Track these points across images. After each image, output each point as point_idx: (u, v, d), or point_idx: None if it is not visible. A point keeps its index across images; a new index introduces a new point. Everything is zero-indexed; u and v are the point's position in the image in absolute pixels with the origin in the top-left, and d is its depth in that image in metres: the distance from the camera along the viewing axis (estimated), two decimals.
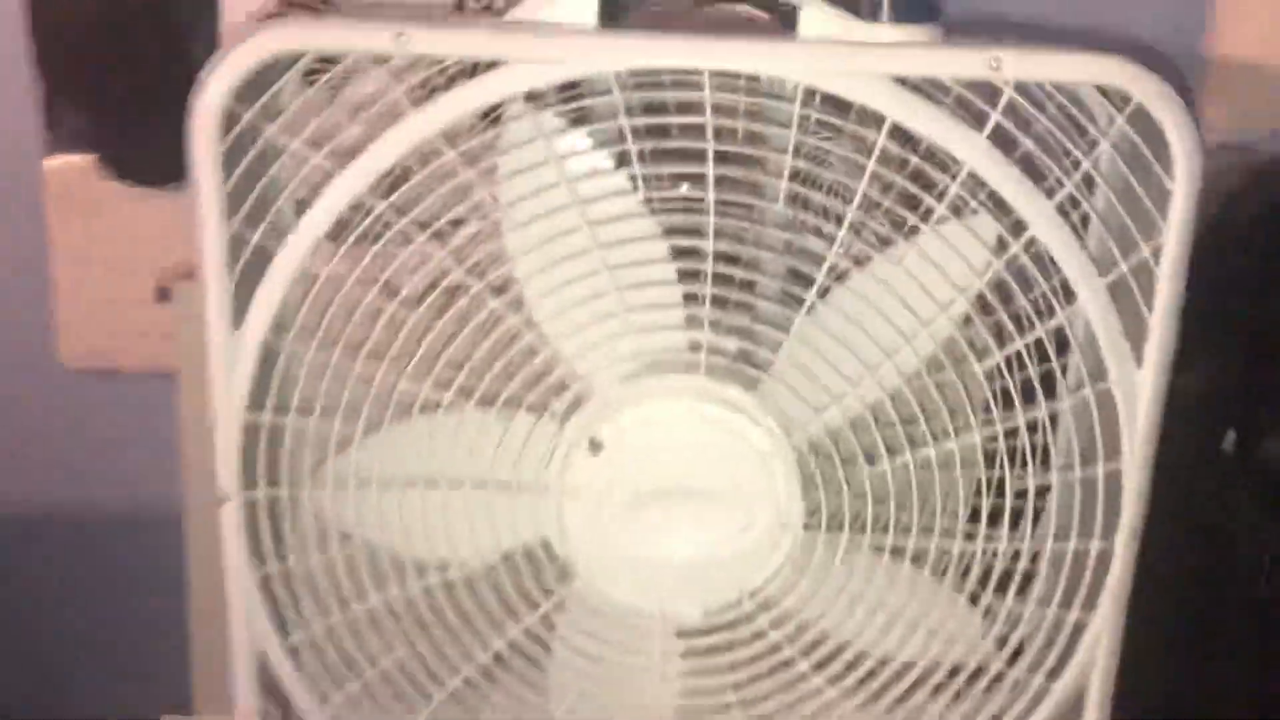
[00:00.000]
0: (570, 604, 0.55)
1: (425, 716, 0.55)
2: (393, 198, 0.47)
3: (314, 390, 0.50)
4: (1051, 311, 0.52)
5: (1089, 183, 0.52)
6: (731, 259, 0.52)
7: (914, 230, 0.51)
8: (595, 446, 0.52)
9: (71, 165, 0.88)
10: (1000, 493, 0.55)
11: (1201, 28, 0.85)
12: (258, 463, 0.51)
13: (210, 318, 0.48)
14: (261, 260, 0.48)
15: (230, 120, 0.46)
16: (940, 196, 0.51)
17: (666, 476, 0.52)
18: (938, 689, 0.56)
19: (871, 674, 0.56)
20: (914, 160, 0.51)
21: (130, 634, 1.05)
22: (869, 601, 0.55)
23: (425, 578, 0.53)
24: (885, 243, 0.52)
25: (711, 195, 0.49)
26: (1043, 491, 0.55)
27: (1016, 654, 0.56)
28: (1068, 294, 0.52)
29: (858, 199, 0.49)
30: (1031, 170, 0.51)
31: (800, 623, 0.55)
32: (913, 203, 0.54)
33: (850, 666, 0.56)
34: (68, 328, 0.92)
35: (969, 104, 0.49)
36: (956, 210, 0.52)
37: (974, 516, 0.58)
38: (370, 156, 0.47)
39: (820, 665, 0.55)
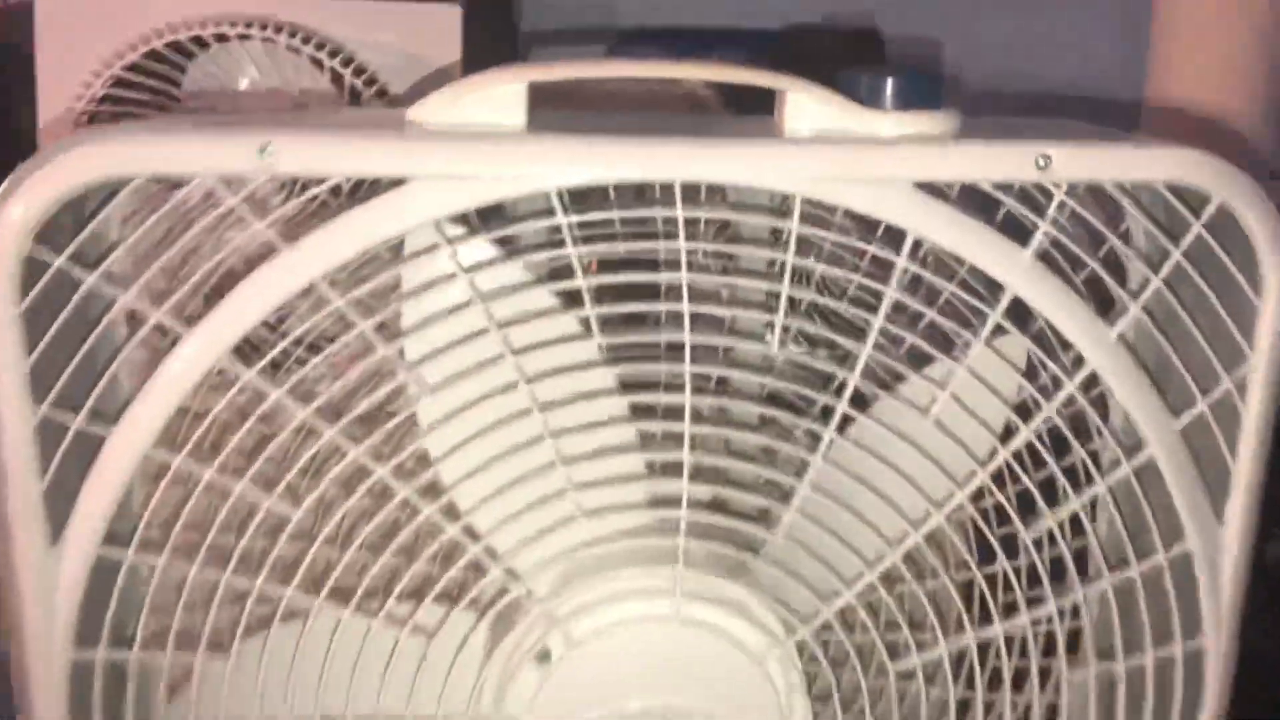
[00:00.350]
0: None
1: None
2: (259, 365, 0.35)
3: (166, 614, 0.38)
4: (1105, 459, 0.42)
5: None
6: (703, 413, 0.41)
7: (935, 359, 0.40)
8: (543, 662, 0.40)
9: None
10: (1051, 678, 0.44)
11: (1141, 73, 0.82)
12: (93, 715, 0.38)
13: (14, 533, 0.36)
14: (87, 450, 0.36)
15: (34, 269, 0.34)
16: (968, 321, 0.40)
17: (637, 696, 0.40)
18: None
19: None
20: (948, 290, 0.40)
21: None
22: None
23: None
24: (897, 379, 0.41)
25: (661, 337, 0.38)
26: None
27: None
28: (1127, 435, 0.42)
29: (872, 337, 0.39)
30: (1075, 283, 0.41)
31: None
32: (933, 329, 0.44)
33: None
34: None
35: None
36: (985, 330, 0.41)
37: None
38: (226, 312, 0.34)
39: None
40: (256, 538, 0.37)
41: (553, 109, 0.39)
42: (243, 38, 0.58)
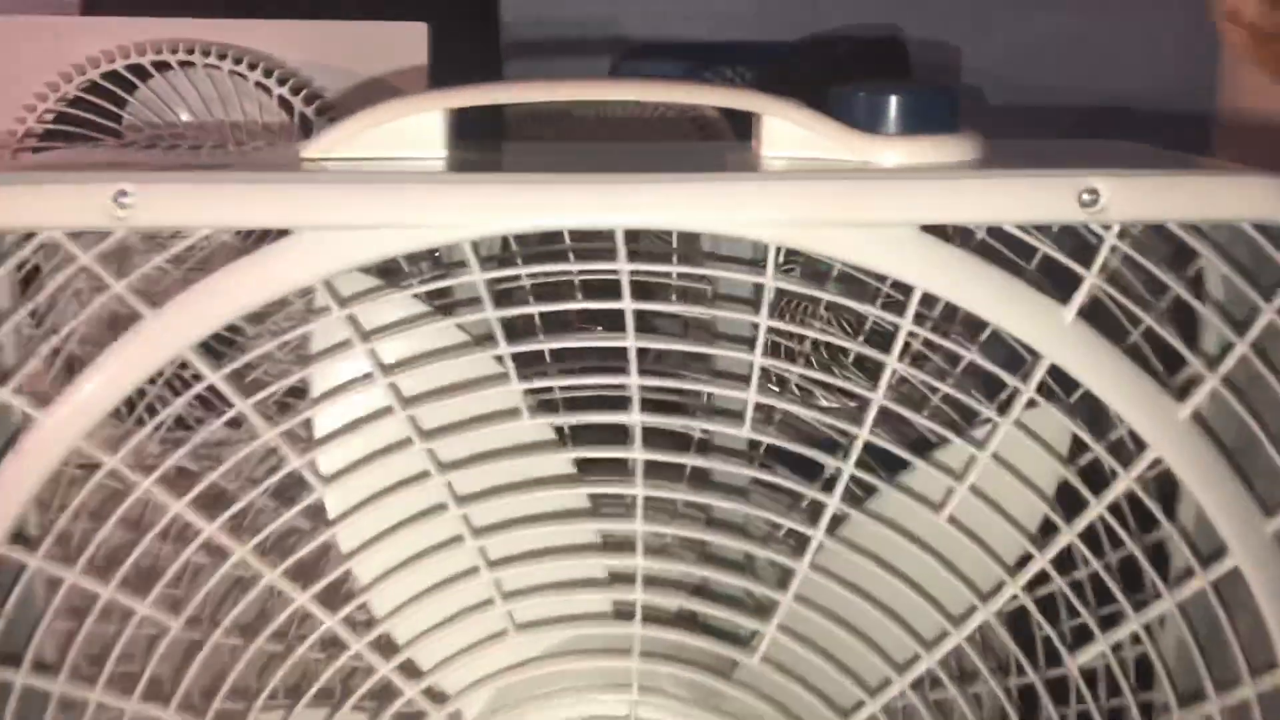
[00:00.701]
0: None
1: None
2: (126, 447, 0.30)
3: None
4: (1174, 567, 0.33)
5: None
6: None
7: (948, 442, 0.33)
8: None
9: None
10: None
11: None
12: None
13: None
14: None
15: None
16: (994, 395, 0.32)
17: None
18: None
19: None
20: (969, 354, 0.33)
21: None
22: None
23: None
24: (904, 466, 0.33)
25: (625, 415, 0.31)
26: None
27: None
28: (1203, 539, 0.33)
29: (871, 414, 0.31)
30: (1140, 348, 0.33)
31: None
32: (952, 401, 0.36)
33: None
34: None
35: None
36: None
37: None
38: (76, 393, 0.29)
39: None
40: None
41: (533, 135, 0.33)
42: (185, 64, 0.54)
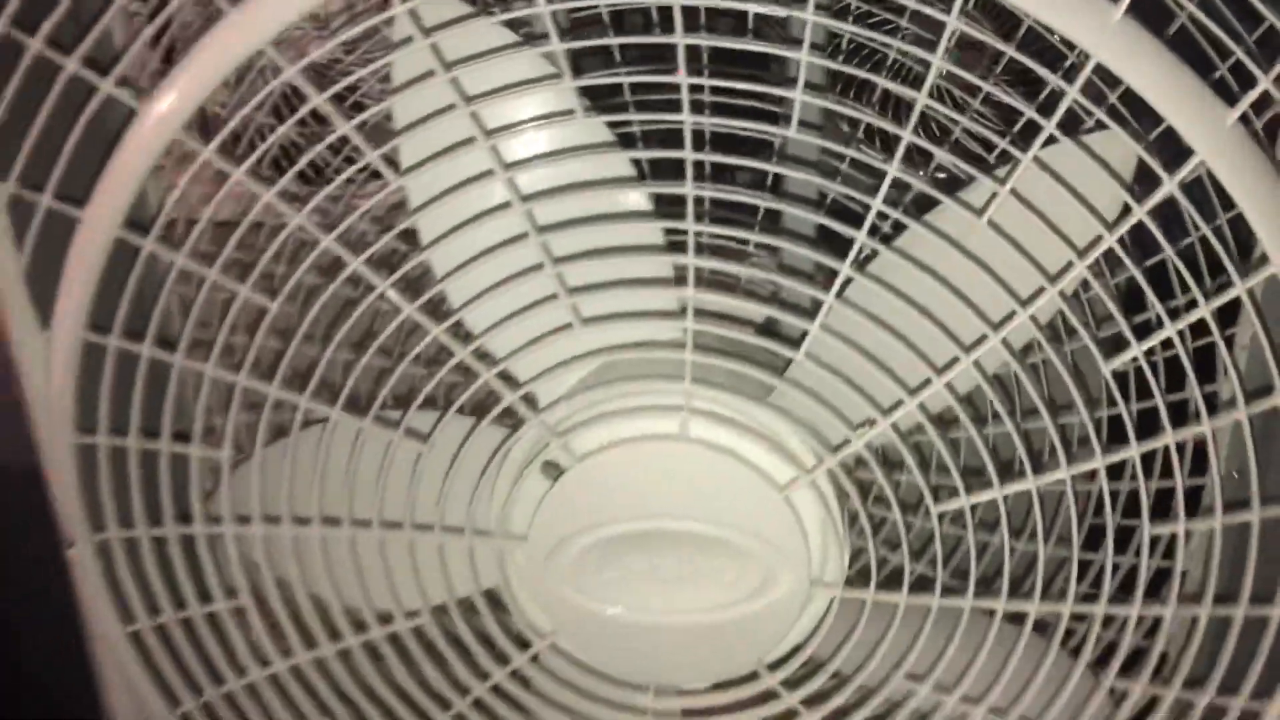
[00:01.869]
0: (535, 671, 0.41)
1: None
2: (219, 136, 0.33)
3: (159, 404, 0.37)
4: (1222, 278, 0.34)
5: None
6: (736, 215, 0.36)
7: (1006, 158, 0.34)
8: (550, 474, 0.37)
9: None
10: (1127, 516, 0.39)
11: None
12: (102, 496, 0.38)
13: (5, 315, 0.35)
14: (67, 230, 0.35)
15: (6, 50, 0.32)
16: (1048, 106, 0.33)
17: (649, 517, 0.37)
18: None
19: None
20: (1008, 50, 0.33)
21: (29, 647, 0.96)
22: (942, 677, 0.40)
23: (358, 631, 0.40)
24: (963, 179, 0.34)
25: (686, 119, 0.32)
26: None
27: None
28: (1246, 251, 0.34)
29: (914, 115, 0.32)
30: (1191, 53, 0.33)
31: (842, 704, 0.40)
32: (1005, 117, 0.37)
33: None
34: None
35: None
36: (1073, 123, 0.34)
37: (1087, 543, 0.41)
38: (176, 82, 0.32)
39: None
40: (260, 340, 0.36)
41: None
42: None
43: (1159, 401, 0.36)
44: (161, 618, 0.40)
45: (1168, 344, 0.36)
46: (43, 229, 0.34)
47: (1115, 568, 0.39)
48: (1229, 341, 0.39)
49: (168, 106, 0.32)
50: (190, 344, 0.36)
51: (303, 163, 0.33)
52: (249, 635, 0.41)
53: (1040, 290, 0.34)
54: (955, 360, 0.35)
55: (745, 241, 0.40)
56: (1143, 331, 0.35)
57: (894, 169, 0.33)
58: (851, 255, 0.34)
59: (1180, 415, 0.36)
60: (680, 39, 0.31)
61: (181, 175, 0.33)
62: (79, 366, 0.36)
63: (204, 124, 0.35)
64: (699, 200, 0.33)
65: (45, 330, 0.36)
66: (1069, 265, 0.34)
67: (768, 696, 0.40)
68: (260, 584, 0.40)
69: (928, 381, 0.35)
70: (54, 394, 0.36)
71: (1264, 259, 0.33)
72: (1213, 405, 0.36)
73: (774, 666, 0.40)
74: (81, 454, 0.38)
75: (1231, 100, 0.32)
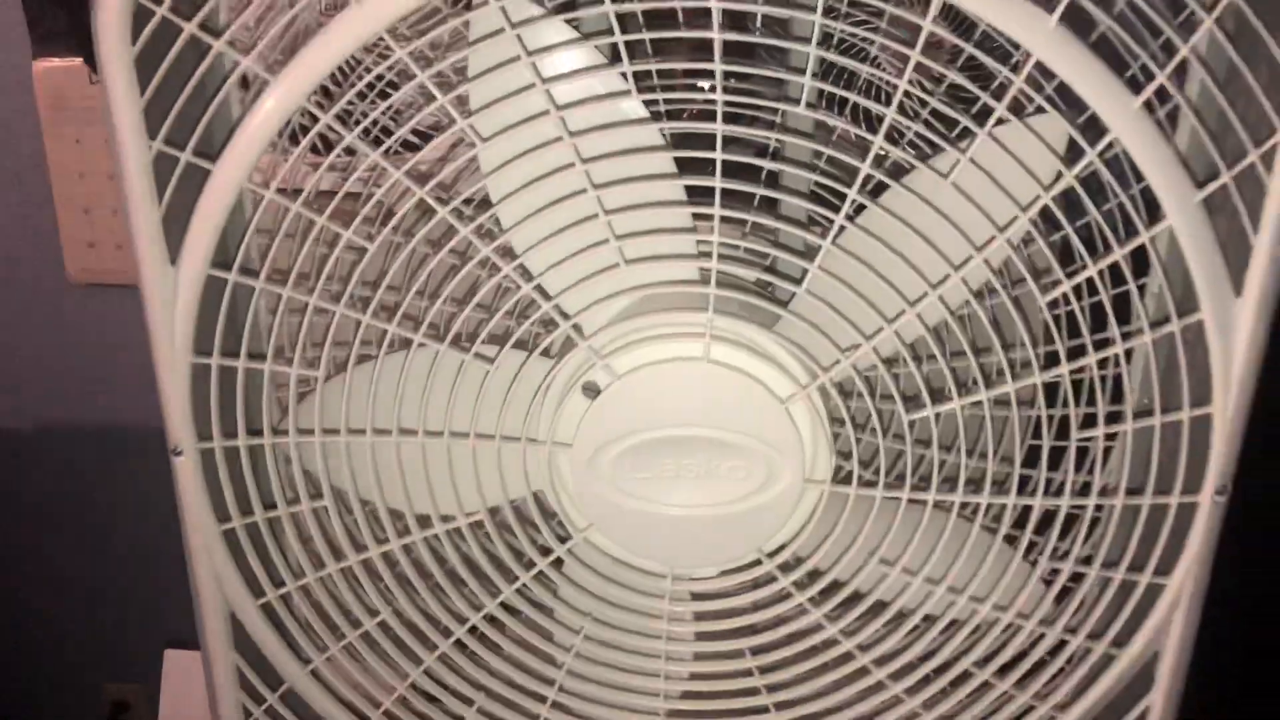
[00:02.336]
0: (571, 559, 0.49)
1: (422, 669, 0.51)
2: (336, 106, 0.40)
3: (265, 330, 0.44)
4: (1130, 228, 0.43)
5: (1181, 72, 0.43)
6: (746, 174, 0.45)
7: (965, 135, 0.42)
8: (590, 392, 0.45)
9: (59, 69, 0.82)
10: (1063, 434, 0.47)
11: None
12: (211, 410, 0.45)
13: (140, 253, 0.42)
14: (199, 181, 0.42)
15: (142, 16, 0.39)
16: (999, 93, 0.41)
17: (672, 426, 0.45)
18: (987, 659, 0.50)
19: (909, 639, 0.50)
20: (968, 49, 0.42)
21: (137, 559, 1.03)
22: (909, 562, 0.48)
23: (423, 528, 0.48)
24: (930, 151, 0.43)
25: (710, 97, 0.40)
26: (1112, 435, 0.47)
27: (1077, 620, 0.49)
28: (1152, 208, 0.43)
29: (897, 98, 0.41)
30: (1110, 55, 0.42)
31: (828, 585, 0.49)
32: (966, 102, 0.45)
33: (886, 633, 0.50)
34: (71, 243, 0.88)
35: None
36: (1018, 108, 0.43)
37: (1031, 458, 0.50)
38: (310, 54, 0.39)
39: (851, 632, 0.49)
40: (341, 267, 0.43)
41: None
42: None
43: (1084, 333, 0.45)
44: (252, 517, 0.47)
45: (1095, 291, 0.45)
46: (180, 180, 0.41)
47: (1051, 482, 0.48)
48: (1142, 289, 0.49)
49: (293, 81, 0.39)
50: (295, 280, 0.43)
51: (405, 131, 0.41)
52: (326, 534, 0.48)
53: (992, 239, 0.43)
54: (924, 295, 0.44)
55: (751, 199, 0.48)
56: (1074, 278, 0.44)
57: (878, 142, 0.41)
58: (845, 207, 0.42)
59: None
60: (717, 34, 0.39)
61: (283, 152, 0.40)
62: (199, 298, 0.43)
63: None
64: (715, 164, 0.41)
65: (174, 267, 0.42)
66: (1014, 219, 0.43)
67: (766, 580, 0.49)
68: (340, 488, 0.47)
69: (902, 313, 0.44)
70: (179, 320, 0.43)
71: (1162, 215, 0.42)
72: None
73: (772, 555, 0.48)
74: (195, 373, 0.44)
75: (1138, 91, 0.41)
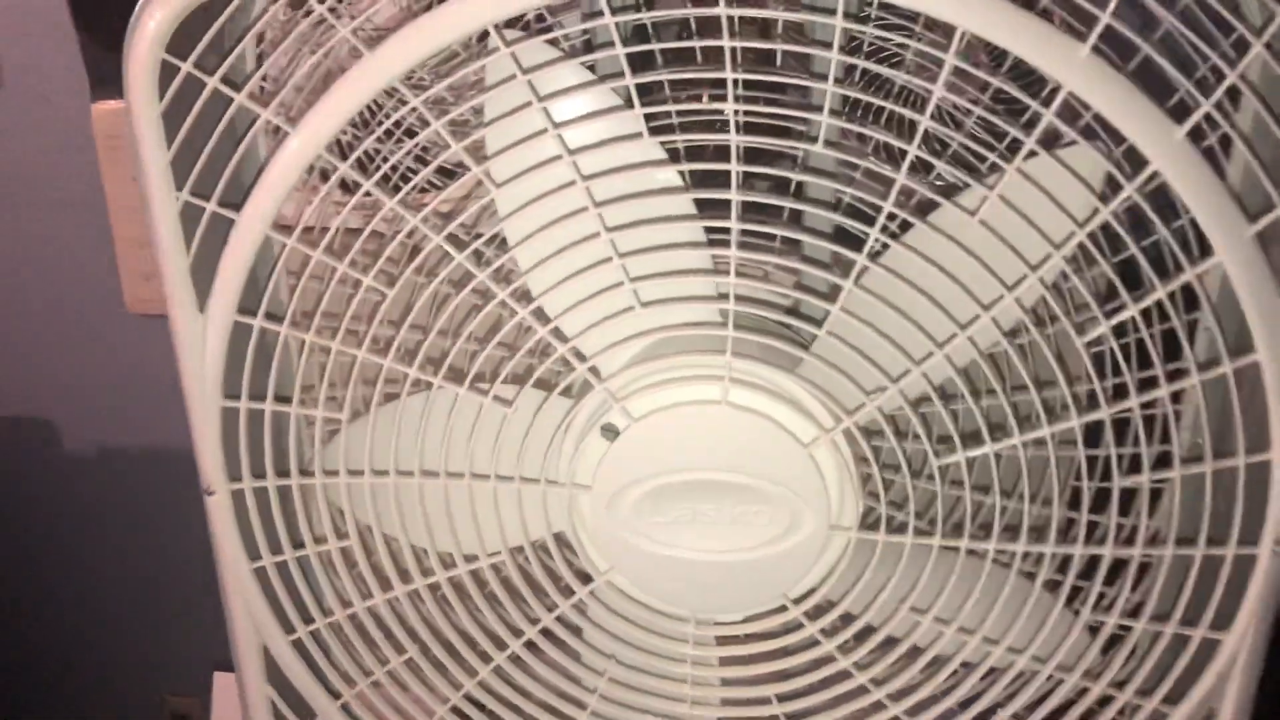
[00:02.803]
0: (593, 603, 0.49)
1: (449, 707, 0.51)
2: (354, 155, 0.40)
3: (292, 374, 0.45)
4: (1177, 265, 0.41)
5: (1233, 97, 0.40)
6: (767, 213, 0.44)
7: (998, 169, 0.41)
8: (609, 433, 0.45)
9: (115, 111, 0.85)
10: (1108, 477, 0.45)
11: None
12: (240, 452, 0.46)
13: (170, 300, 0.43)
14: (226, 229, 0.43)
15: (169, 72, 0.40)
16: (1029, 126, 0.40)
17: (693, 470, 0.45)
18: (1029, 709, 0.48)
19: (944, 687, 0.48)
20: (995, 82, 0.40)
21: (194, 582, 1.07)
22: (942, 610, 0.47)
23: (447, 567, 0.48)
24: (960, 186, 0.41)
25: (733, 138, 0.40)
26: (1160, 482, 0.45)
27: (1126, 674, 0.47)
28: (1201, 243, 0.41)
29: (920, 132, 0.39)
30: (1152, 83, 0.40)
31: (857, 632, 0.47)
32: (995, 133, 0.44)
33: (919, 681, 0.48)
34: (129, 275, 0.91)
35: None
36: (1054, 138, 0.41)
37: (1074, 502, 0.48)
38: (326, 105, 0.40)
39: (882, 680, 0.48)
40: (363, 310, 0.43)
41: None
42: None
43: (1126, 375, 0.42)
44: (282, 555, 0.48)
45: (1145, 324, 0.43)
46: (206, 230, 0.42)
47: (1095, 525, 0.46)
48: (1193, 325, 0.46)
49: (312, 130, 0.40)
50: (318, 327, 0.44)
51: (422, 177, 0.41)
52: (353, 573, 0.48)
53: (1024, 278, 0.41)
54: (953, 336, 0.42)
55: (772, 239, 0.47)
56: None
57: (901, 177, 0.40)
58: (866, 247, 0.41)
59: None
60: (729, 74, 0.38)
61: (312, 189, 0.41)
62: (228, 343, 0.44)
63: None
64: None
65: (202, 314, 0.43)
66: (1048, 256, 0.41)
67: (792, 627, 0.47)
68: (364, 529, 0.48)
69: (930, 355, 0.42)
70: (208, 365, 0.44)
71: (1210, 250, 0.40)
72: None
73: (798, 601, 0.47)
74: (225, 416, 0.45)
75: (1182, 120, 0.39)
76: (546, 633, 0.49)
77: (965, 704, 0.48)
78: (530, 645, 0.49)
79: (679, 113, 0.48)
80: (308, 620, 0.50)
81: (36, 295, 1.05)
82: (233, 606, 0.49)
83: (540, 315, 0.44)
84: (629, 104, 0.40)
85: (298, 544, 0.48)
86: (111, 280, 0.90)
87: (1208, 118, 0.39)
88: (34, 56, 0.94)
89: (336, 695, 0.51)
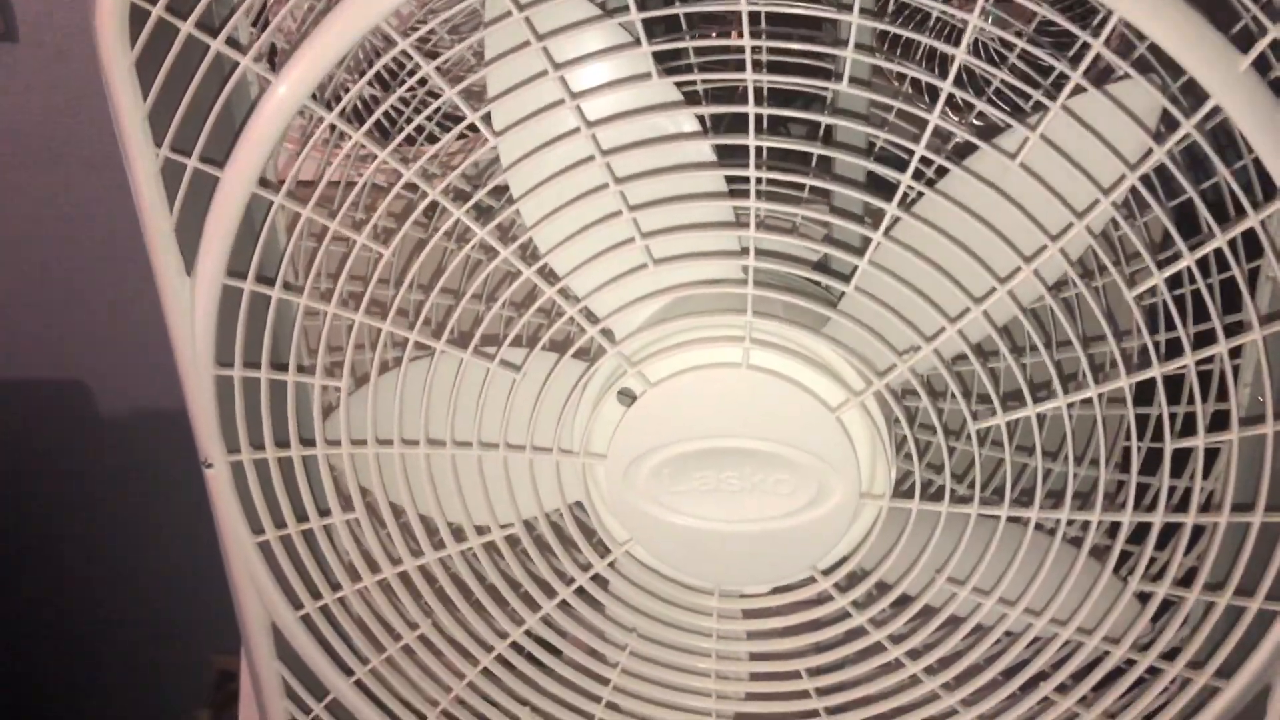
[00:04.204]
0: (612, 574, 0.46)
1: (465, 684, 0.49)
2: (345, 102, 0.38)
3: (287, 339, 0.43)
4: (1239, 210, 0.38)
5: None
6: (790, 162, 0.40)
7: (1038, 108, 0.37)
8: (626, 399, 0.42)
9: None
10: (1160, 436, 0.42)
11: None
12: (237, 422, 0.44)
13: (155, 264, 0.41)
14: (208, 191, 0.40)
15: (140, 18, 0.37)
16: (1076, 60, 0.36)
17: (715, 436, 0.42)
18: (1075, 679, 0.45)
19: (984, 658, 0.45)
20: (1039, 10, 0.37)
21: (188, 569, 1.06)
22: (983, 580, 0.44)
23: (458, 540, 0.46)
24: (996, 129, 0.38)
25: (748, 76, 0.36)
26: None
27: (1176, 646, 0.44)
28: (1265, 185, 0.37)
29: (955, 66, 0.36)
30: (1215, 6, 0.36)
31: (892, 605, 0.45)
32: (1040, 68, 0.40)
33: (958, 651, 0.45)
34: None
35: None
36: (1105, 74, 0.38)
37: (1123, 465, 0.45)
38: (309, 50, 0.37)
39: (918, 654, 0.45)
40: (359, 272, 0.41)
41: None
42: None
43: (1180, 329, 0.39)
44: (285, 529, 0.46)
45: (1202, 274, 0.39)
46: (189, 188, 0.39)
47: (1144, 488, 0.43)
48: (1254, 274, 0.43)
49: (296, 79, 0.37)
50: (312, 290, 0.41)
51: (412, 127, 0.38)
52: (361, 545, 0.46)
53: (1069, 227, 0.38)
54: (992, 291, 0.39)
55: (800, 189, 0.43)
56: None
57: (935, 118, 0.36)
58: (897, 197, 0.38)
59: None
60: (745, 6, 0.35)
61: (296, 140, 0.38)
62: (218, 308, 0.41)
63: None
64: (758, 150, 0.37)
65: (190, 277, 0.41)
66: (1095, 203, 0.37)
67: (822, 599, 0.45)
68: (372, 499, 0.46)
69: (966, 311, 0.39)
70: (198, 332, 0.42)
71: (1276, 192, 0.37)
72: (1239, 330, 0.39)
73: (827, 572, 0.44)
74: (219, 385, 0.43)
75: (1247, 49, 0.35)
76: (564, 606, 0.47)
77: (1008, 673, 0.45)
78: (546, 621, 0.47)
79: (697, 51, 0.45)
80: (316, 596, 0.48)
81: (63, 256, 1.03)
82: (238, 582, 0.48)
83: (548, 274, 0.41)
84: (638, 41, 0.37)
85: (302, 517, 0.46)
86: (136, 237, 0.88)
87: (1275, 45, 0.35)
88: (48, 10, 0.92)
89: (349, 672, 0.49)
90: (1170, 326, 0.41)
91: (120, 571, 1.20)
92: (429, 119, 0.42)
